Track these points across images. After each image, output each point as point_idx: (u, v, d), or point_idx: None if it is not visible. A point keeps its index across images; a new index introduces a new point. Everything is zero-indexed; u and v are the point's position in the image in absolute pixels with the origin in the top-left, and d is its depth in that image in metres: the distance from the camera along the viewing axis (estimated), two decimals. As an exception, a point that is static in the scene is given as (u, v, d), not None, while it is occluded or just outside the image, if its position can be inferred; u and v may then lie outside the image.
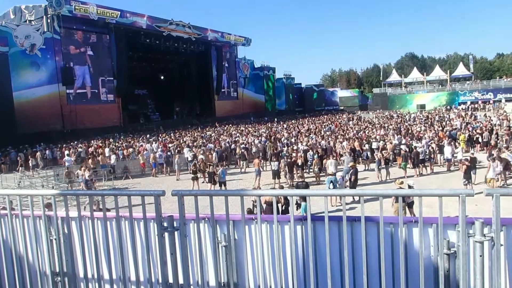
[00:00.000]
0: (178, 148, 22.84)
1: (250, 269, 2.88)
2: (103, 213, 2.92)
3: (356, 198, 10.70)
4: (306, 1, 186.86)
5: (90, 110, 37.16)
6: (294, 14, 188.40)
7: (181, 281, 2.64)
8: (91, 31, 38.32)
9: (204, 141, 26.53)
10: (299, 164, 16.07)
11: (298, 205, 9.47)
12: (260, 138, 25.68)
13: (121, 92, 40.93)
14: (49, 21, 34.04)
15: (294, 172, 15.78)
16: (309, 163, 17.06)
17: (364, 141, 20.64)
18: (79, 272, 3.16)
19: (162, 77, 53.51)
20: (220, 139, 26.26)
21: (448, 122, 31.15)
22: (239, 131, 34.73)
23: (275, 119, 50.20)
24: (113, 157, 20.01)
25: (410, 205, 9.61)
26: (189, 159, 18.95)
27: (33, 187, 16.88)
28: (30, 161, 21.89)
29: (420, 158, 15.78)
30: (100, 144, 26.72)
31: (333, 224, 2.80)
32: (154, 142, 26.16)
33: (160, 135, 33.50)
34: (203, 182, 16.30)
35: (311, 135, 26.33)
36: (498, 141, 19.63)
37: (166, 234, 2.57)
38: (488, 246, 2.14)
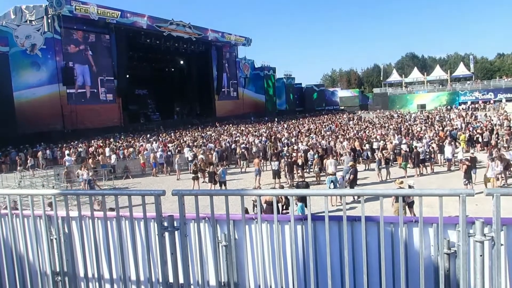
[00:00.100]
0: (179, 148, 22.85)
1: (250, 268, 2.88)
2: (103, 213, 2.93)
3: (357, 198, 10.70)
4: (306, 1, 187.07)
5: (91, 110, 37.21)
6: (294, 14, 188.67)
7: (181, 280, 2.64)
8: (92, 31, 38.35)
9: (205, 141, 26.54)
10: (300, 164, 16.06)
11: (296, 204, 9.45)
12: (260, 138, 25.69)
13: (121, 92, 40.97)
14: (49, 21, 34.07)
15: (295, 172, 15.79)
16: (309, 163, 17.07)
17: (364, 141, 20.64)
18: (80, 272, 3.16)
19: (162, 77, 53.52)
20: (221, 139, 26.27)
21: (448, 122, 31.15)
22: (239, 131, 34.74)
23: (276, 119, 50.21)
24: (113, 157, 20.04)
25: (410, 205, 9.62)
26: (190, 159, 18.96)
27: (33, 186, 16.91)
28: (28, 161, 21.92)
29: (421, 158, 15.77)
30: (101, 144, 26.74)
31: (333, 224, 2.80)
32: (154, 142, 26.18)
33: (160, 135, 33.52)
34: (203, 182, 16.31)
35: (311, 135, 26.33)
36: (499, 141, 19.62)
37: (167, 234, 2.57)
38: (488, 246, 2.14)
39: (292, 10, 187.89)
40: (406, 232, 2.67)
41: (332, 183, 11.88)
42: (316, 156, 16.38)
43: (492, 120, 28.42)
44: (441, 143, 17.92)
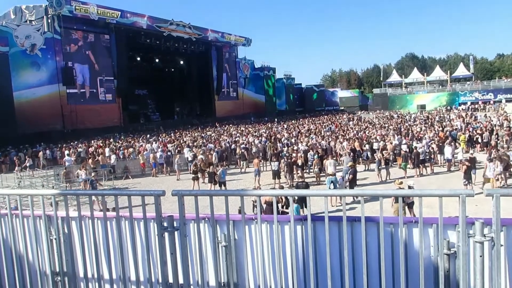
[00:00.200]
0: (178, 148, 22.85)
1: (250, 269, 2.88)
2: (103, 213, 2.93)
3: (356, 198, 10.70)
4: (306, 1, 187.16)
5: (91, 110, 37.19)
6: (294, 14, 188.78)
7: (181, 281, 2.64)
8: (92, 31, 38.33)
9: (204, 141, 26.54)
10: (299, 164, 16.07)
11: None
12: (260, 138, 25.68)
13: (121, 92, 40.95)
14: (49, 21, 34.05)
15: (294, 172, 15.79)
16: (309, 163, 17.07)
17: (364, 141, 20.63)
18: (79, 272, 3.16)
19: (162, 77, 53.53)
20: (220, 139, 26.27)
21: (448, 122, 31.16)
22: (239, 131, 34.73)
23: (275, 119, 50.20)
24: (113, 157, 20.03)
25: (410, 205, 9.62)
26: (189, 159, 18.95)
27: (33, 187, 16.90)
28: (26, 161, 21.91)
29: (420, 158, 15.77)
30: (101, 144, 26.72)
31: (333, 224, 2.80)
32: (154, 142, 26.17)
33: (160, 135, 33.52)
34: (203, 182, 16.31)
35: (311, 135, 26.33)
36: (499, 142, 19.64)
37: (166, 234, 2.57)
38: (488, 247, 2.14)
39: (292, 10, 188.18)
40: (406, 232, 2.67)
41: (332, 184, 11.89)
42: (316, 156, 16.38)
43: (492, 121, 28.42)
44: (441, 144, 17.93)
